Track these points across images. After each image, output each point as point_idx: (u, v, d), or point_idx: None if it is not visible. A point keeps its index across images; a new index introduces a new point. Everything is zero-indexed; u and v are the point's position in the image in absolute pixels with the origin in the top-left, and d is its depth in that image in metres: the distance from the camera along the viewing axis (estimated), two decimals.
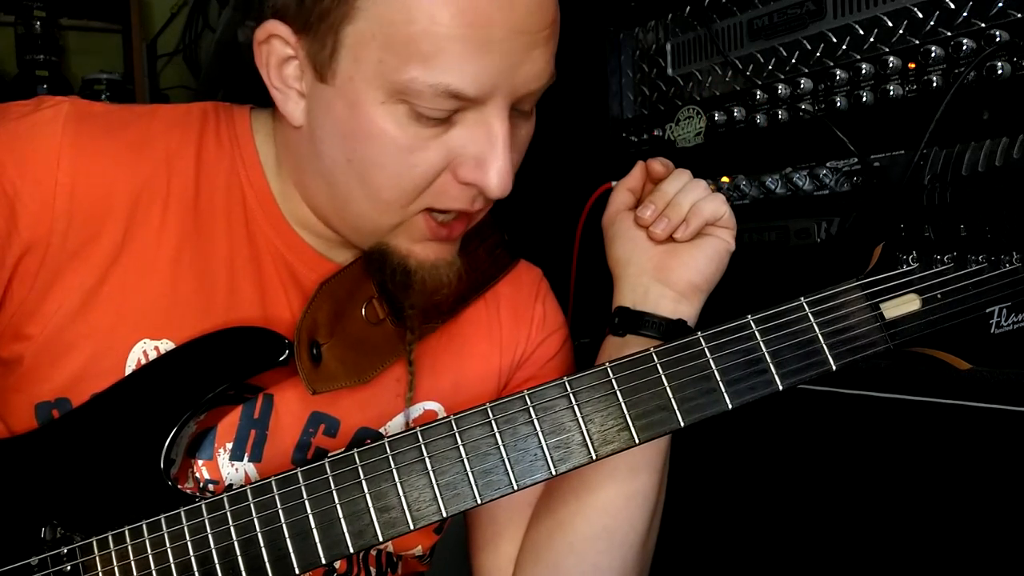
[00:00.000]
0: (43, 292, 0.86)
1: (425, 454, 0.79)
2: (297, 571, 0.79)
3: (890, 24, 1.12)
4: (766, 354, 0.81)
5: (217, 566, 0.80)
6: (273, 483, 0.80)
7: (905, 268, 0.83)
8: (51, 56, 2.81)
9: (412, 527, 0.78)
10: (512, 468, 0.79)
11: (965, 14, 1.04)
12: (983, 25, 1.02)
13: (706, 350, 0.81)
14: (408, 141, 0.82)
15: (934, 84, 1.06)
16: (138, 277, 0.88)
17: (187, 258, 0.90)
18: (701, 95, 1.40)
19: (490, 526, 1.03)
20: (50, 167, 0.85)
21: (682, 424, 0.80)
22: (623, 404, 0.80)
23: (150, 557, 0.80)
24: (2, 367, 0.89)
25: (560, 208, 1.29)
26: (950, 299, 0.82)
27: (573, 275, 1.19)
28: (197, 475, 0.90)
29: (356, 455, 0.80)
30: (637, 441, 0.79)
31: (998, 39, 0.99)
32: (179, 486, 0.85)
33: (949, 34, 1.06)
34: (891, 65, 1.10)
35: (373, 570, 1.00)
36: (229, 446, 0.91)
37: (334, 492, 0.79)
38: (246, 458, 0.91)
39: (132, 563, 0.80)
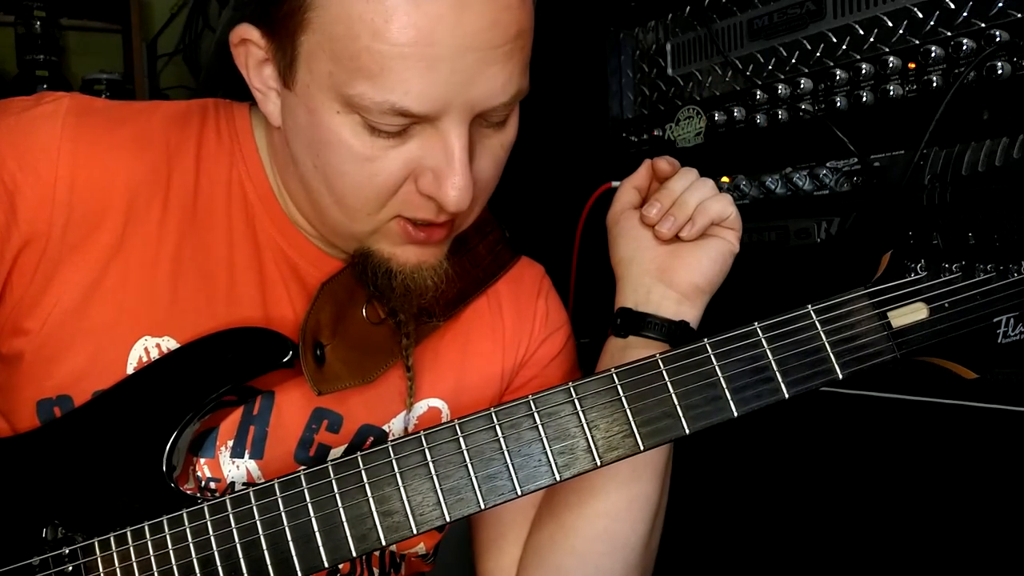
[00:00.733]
0: (42, 286, 0.86)
1: (429, 458, 0.79)
2: (300, 574, 0.79)
3: (890, 24, 1.12)
4: (772, 362, 0.81)
5: (219, 568, 0.80)
6: (276, 486, 0.80)
7: (913, 276, 0.83)
8: (51, 56, 2.81)
9: (415, 532, 0.78)
10: (516, 473, 0.79)
11: (965, 14, 1.04)
12: (983, 25, 1.02)
13: (712, 357, 0.81)
14: (367, 151, 0.81)
15: (934, 84, 1.06)
16: (138, 273, 0.88)
17: (188, 254, 0.90)
18: (701, 95, 1.40)
19: (494, 528, 1.03)
20: (50, 161, 0.85)
21: (687, 432, 0.80)
22: (628, 411, 0.80)
23: (152, 558, 0.80)
24: (3, 364, 0.90)
25: (560, 208, 1.29)
26: (958, 308, 0.82)
27: (573, 275, 1.20)
28: (199, 473, 0.90)
29: (360, 458, 0.80)
30: (642, 448, 0.79)
31: (998, 39, 0.99)
32: (181, 486, 0.85)
33: (949, 34, 1.06)
34: (891, 65, 1.10)
35: (376, 570, 1.00)
36: (230, 443, 0.91)
37: (337, 496, 0.79)
38: (247, 455, 0.91)
39: (134, 564, 0.81)
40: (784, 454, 1.23)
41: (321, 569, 0.79)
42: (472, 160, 0.82)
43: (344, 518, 0.79)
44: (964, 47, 1.03)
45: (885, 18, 1.12)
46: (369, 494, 0.79)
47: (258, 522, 0.80)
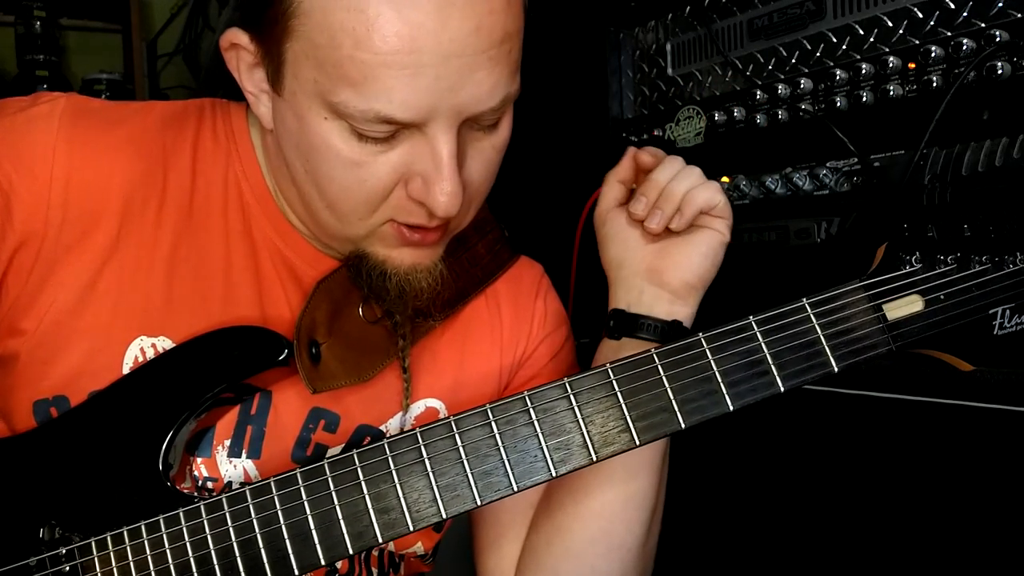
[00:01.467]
0: (38, 286, 0.86)
1: (425, 455, 0.79)
2: (297, 572, 0.79)
3: (890, 24, 1.12)
4: (767, 355, 0.81)
5: (216, 567, 0.79)
6: (272, 484, 0.80)
7: (908, 269, 0.83)
8: (51, 56, 2.81)
9: (412, 528, 0.78)
10: (512, 469, 0.79)
11: (965, 14, 1.04)
12: (983, 25, 1.02)
13: (707, 351, 0.81)
14: (355, 156, 0.80)
15: (934, 84, 1.06)
16: (134, 273, 0.88)
17: (183, 253, 0.90)
18: (701, 95, 1.40)
19: (493, 527, 1.03)
20: (46, 161, 0.85)
21: (683, 425, 0.80)
22: (624, 405, 0.79)
23: (149, 558, 0.80)
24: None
25: (560, 208, 1.29)
26: (953, 300, 0.81)
27: (573, 275, 1.19)
28: (196, 473, 0.90)
29: (356, 456, 0.79)
30: (638, 443, 0.79)
31: (998, 39, 0.99)
32: (178, 485, 0.85)
33: (949, 34, 1.06)
34: (891, 65, 1.10)
35: (375, 570, 1.00)
36: (227, 443, 0.91)
37: (333, 493, 0.79)
38: (244, 455, 0.91)
39: (131, 564, 0.80)
40: (783, 454, 1.23)
41: (318, 567, 0.79)
42: (463, 164, 0.82)
43: (340, 516, 0.79)
44: (964, 47, 1.03)
45: (885, 18, 1.12)
46: (365, 491, 0.79)
47: (254, 520, 0.80)
